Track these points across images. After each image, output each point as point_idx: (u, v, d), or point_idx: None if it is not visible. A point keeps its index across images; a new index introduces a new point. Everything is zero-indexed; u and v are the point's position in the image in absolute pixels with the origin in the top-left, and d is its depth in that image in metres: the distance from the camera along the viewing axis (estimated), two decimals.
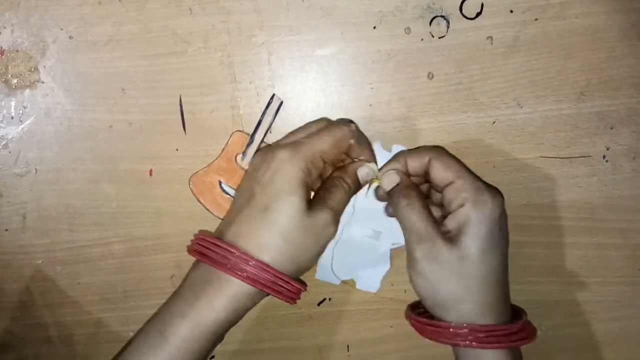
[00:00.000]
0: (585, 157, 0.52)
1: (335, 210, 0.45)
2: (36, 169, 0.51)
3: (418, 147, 0.50)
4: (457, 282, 0.44)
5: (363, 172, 0.48)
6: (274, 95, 0.50)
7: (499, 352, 0.44)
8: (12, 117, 0.50)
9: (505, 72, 0.50)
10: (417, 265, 0.45)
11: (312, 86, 0.51)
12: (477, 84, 0.50)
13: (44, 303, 0.54)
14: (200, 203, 0.51)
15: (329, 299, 0.54)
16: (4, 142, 0.51)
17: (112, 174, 0.51)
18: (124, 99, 0.50)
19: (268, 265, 0.42)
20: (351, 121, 0.49)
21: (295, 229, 0.43)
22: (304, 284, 0.46)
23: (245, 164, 0.50)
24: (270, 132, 0.51)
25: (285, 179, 0.43)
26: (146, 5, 0.49)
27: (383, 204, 0.51)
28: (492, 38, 0.50)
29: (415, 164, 0.47)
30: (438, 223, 0.45)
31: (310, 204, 0.44)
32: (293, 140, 0.46)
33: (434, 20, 0.49)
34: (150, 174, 0.51)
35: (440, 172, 0.46)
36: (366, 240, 0.52)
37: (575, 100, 0.51)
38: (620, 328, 0.55)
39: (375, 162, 0.49)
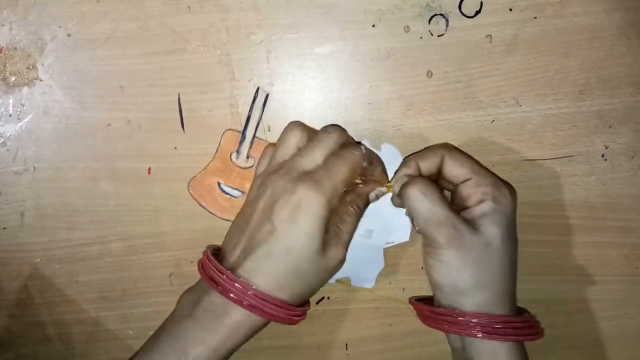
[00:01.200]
0: (584, 155, 0.52)
1: (346, 244, 0.45)
2: (34, 167, 0.51)
3: (427, 148, 0.50)
4: (481, 268, 0.44)
5: (373, 196, 0.48)
6: (258, 88, 0.50)
7: (512, 345, 0.44)
8: (10, 115, 0.50)
9: (505, 70, 0.50)
10: (441, 251, 0.44)
11: (310, 84, 0.51)
12: (476, 83, 0.50)
13: (42, 301, 0.54)
14: (202, 207, 0.51)
15: (328, 298, 0.54)
16: (2, 140, 0.51)
17: (111, 172, 0.51)
18: (122, 97, 0.50)
19: (285, 303, 0.43)
20: (359, 142, 0.49)
21: (312, 269, 0.44)
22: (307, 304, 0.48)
23: (240, 162, 0.50)
24: (270, 130, 0.51)
25: (309, 220, 0.42)
26: (144, 3, 0.49)
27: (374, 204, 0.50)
28: (491, 36, 0.50)
29: (427, 165, 0.47)
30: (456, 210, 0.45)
31: (325, 239, 0.44)
32: (312, 173, 0.44)
33: (433, 19, 0.49)
34: (149, 172, 0.51)
35: (455, 169, 0.46)
36: (358, 240, 0.51)
37: (574, 98, 0.51)
38: (619, 326, 0.55)
39: (387, 177, 0.48)
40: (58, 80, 0.50)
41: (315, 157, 0.45)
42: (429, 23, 0.50)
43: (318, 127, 0.50)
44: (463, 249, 0.44)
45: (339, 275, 0.52)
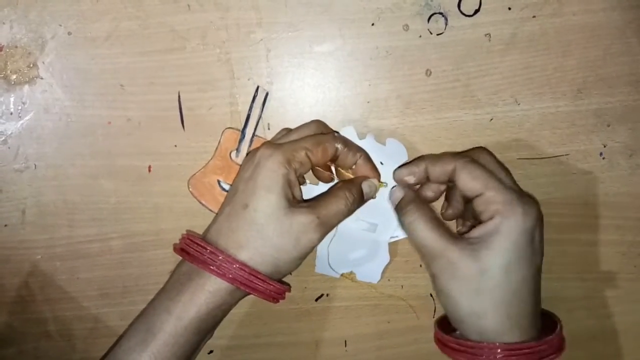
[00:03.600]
0: (582, 154, 0.52)
1: (323, 217, 0.44)
2: (35, 165, 0.51)
3: (442, 154, 0.48)
4: (478, 297, 0.42)
5: (365, 187, 0.47)
6: (258, 87, 0.50)
7: None
8: (11, 113, 0.51)
9: (503, 69, 0.50)
10: (437, 282, 0.44)
11: (310, 83, 0.51)
12: (474, 81, 0.50)
13: (43, 298, 0.54)
14: (202, 204, 0.52)
15: (327, 295, 0.54)
16: (3, 138, 0.51)
17: (111, 170, 0.52)
18: (122, 95, 0.50)
19: (243, 264, 0.42)
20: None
21: (272, 228, 0.43)
22: (286, 285, 0.47)
23: (239, 160, 0.51)
24: (269, 128, 0.51)
25: (266, 174, 0.43)
26: (144, 2, 0.49)
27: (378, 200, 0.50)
28: (490, 35, 0.50)
29: (437, 173, 0.46)
30: (452, 234, 0.44)
31: (297, 204, 0.44)
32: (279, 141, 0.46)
33: (432, 17, 0.50)
34: (149, 170, 0.52)
35: (467, 183, 0.44)
36: (363, 234, 0.52)
37: (573, 97, 0.51)
38: (616, 324, 0.55)
39: (378, 173, 0.48)
40: (58, 78, 0.50)
41: (290, 136, 0.47)
42: (428, 22, 0.50)
43: None
44: (456, 279, 0.43)
45: (345, 269, 0.52)
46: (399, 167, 0.48)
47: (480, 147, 0.50)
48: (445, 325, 0.47)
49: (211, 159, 0.51)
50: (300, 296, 0.54)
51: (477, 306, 0.42)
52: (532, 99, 0.51)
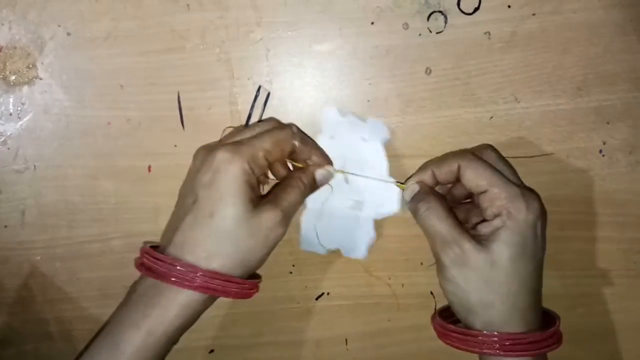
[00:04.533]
0: (582, 151, 0.52)
1: (285, 210, 0.44)
2: (35, 166, 0.51)
3: (444, 155, 0.50)
4: (487, 288, 0.43)
5: (320, 174, 0.48)
6: (260, 87, 0.50)
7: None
8: (11, 114, 0.50)
9: (503, 67, 0.50)
10: (446, 271, 0.45)
11: (310, 82, 0.51)
12: (474, 79, 0.50)
13: (43, 299, 0.54)
14: None
15: (327, 294, 0.54)
16: (3, 139, 0.51)
17: (111, 171, 0.51)
18: (122, 96, 0.50)
19: (217, 273, 0.42)
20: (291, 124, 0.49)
21: (242, 232, 0.43)
22: (257, 277, 0.47)
23: None
24: None
25: (228, 180, 0.43)
26: (143, 2, 0.49)
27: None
28: (489, 33, 0.50)
29: (443, 174, 0.47)
30: (465, 226, 0.45)
31: (260, 203, 0.44)
32: (234, 140, 0.45)
33: (432, 16, 0.50)
34: (149, 170, 0.52)
35: (472, 181, 0.45)
36: (348, 212, 0.52)
37: (572, 95, 0.51)
38: (617, 321, 0.55)
39: (331, 163, 0.49)
40: (58, 79, 0.50)
41: (244, 133, 0.46)
42: (428, 20, 0.50)
43: (317, 126, 0.50)
44: (467, 268, 0.44)
45: (330, 246, 0.52)
46: (408, 179, 0.49)
47: (485, 144, 0.50)
48: (444, 317, 0.48)
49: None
50: (300, 295, 0.54)
51: (485, 296, 0.44)
52: (532, 96, 0.51)
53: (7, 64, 0.50)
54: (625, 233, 0.53)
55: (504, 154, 0.50)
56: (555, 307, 0.54)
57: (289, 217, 0.45)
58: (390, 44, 0.50)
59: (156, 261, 0.43)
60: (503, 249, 0.43)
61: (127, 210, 0.52)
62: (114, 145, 0.51)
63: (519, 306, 0.44)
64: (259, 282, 0.47)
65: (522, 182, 0.47)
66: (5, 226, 0.52)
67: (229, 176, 0.42)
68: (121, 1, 0.49)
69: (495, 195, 0.44)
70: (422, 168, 0.49)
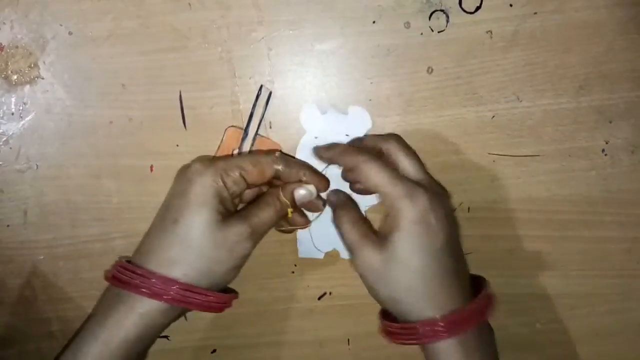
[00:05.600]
0: (584, 150, 0.52)
1: (254, 226, 0.44)
2: (37, 165, 0.51)
3: (352, 148, 0.48)
4: (389, 284, 0.45)
5: (300, 193, 0.47)
6: (262, 86, 0.50)
7: (447, 341, 0.44)
8: (13, 114, 0.50)
9: (505, 66, 0.50)
10: (359, 274, 0.46)
11: (311, 81, 0.51)
12: (476, 78, 0.50)
13: (45, 298, 0.54)
14: None
15: (329, 293, 0.54)
16: (5, 139, 0.51)
17: (113, 170, 0.52)
18: (124, 95, 0.50)
19: (175, 281, 0.42)
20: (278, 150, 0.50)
21: (206, 241, 0.42)
22: (232, 292, 0.47)
23: None
24: (271, 127, 0.51)
25: (198, 190, 0.43)
26: (145, 1, 0.49)
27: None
28: (491, 32, 0.50)
29: (343, 164, 0.48)
30: (373, 231, 0.46)
31: (229, 217, 0.44)
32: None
33: (434, 15, 0.50)
34: (151, 170, 0.52)
35: (365, 182, 0.46)
36: None
37: (575, 94, 0.51)
38: (619, 321, 0.55)
39: (327, 183, 0.48)
40: (60, 78, 0.50)
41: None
42: (430, 19, 0.50)
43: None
44: (370, 270, 0.45)
45: (327, 248, 0.52)
46: (318, 146, 0.50)
47: (390, 134, 0.50)
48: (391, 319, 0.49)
49: (213, 157, 0.51)
50: (302, 295, 0.54)
51: (390, 292, 0.45)
52: (534, 95, 0.51)
53: (9, 64, 0.50)
54: (627, 232, 0.53)
55: (505, 153, 0.50)
56: (557, 307, 0.54)
57: (257, 234, 0.45)
58: (392, 43, 0.50)
59: (118, 268, 0.44)
60: (397, 244, 0.44)
61: (130, 210, 0.52)
62: (116, 145, 0.51)
63: (428, 293, 0.44)
64: (232, 298, 0.46)
65: (423, 173, 0.47)
66: (8, 225, 0.52)
67: (199, 186, 0.43)
68: (123, 0, 0.49)
69: (385, 196, 0.45)
70: (329, 148, 0.49)
